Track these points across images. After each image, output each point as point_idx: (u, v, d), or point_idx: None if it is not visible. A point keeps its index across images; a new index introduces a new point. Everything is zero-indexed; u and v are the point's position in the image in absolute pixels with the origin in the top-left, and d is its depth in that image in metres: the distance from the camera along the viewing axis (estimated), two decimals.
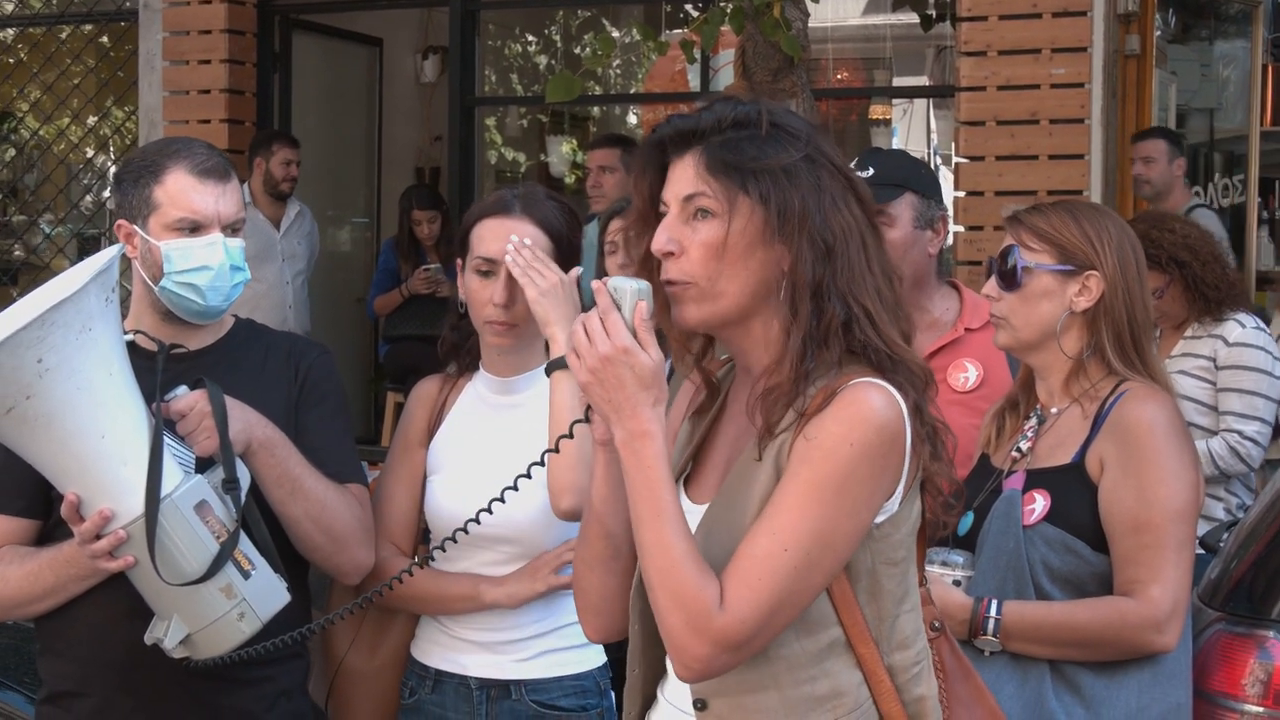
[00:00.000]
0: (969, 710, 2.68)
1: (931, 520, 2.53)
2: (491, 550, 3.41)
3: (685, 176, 2.40)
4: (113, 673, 3.23)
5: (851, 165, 3.70)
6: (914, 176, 3.83)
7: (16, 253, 11.84)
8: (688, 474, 2.58)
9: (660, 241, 2.40)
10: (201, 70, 9.56)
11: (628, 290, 2.34)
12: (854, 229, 2.39)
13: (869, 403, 2.31)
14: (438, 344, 3.63)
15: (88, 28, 10.85)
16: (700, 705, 2.43)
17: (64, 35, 11.03)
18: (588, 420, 2.42)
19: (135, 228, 3.26)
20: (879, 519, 2.38)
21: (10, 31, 11.74)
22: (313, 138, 10.18)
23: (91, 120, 11.45)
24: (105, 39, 10.91)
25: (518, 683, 3.42)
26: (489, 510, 2.75)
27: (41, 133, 11.41)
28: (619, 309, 2.33)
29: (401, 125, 12.09)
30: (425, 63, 12.19)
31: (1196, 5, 9.43)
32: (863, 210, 2.43)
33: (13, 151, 12.11)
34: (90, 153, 11.68)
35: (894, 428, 2.32)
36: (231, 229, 3.27)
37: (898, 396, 2.34)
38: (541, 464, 2.59)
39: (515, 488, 2.63)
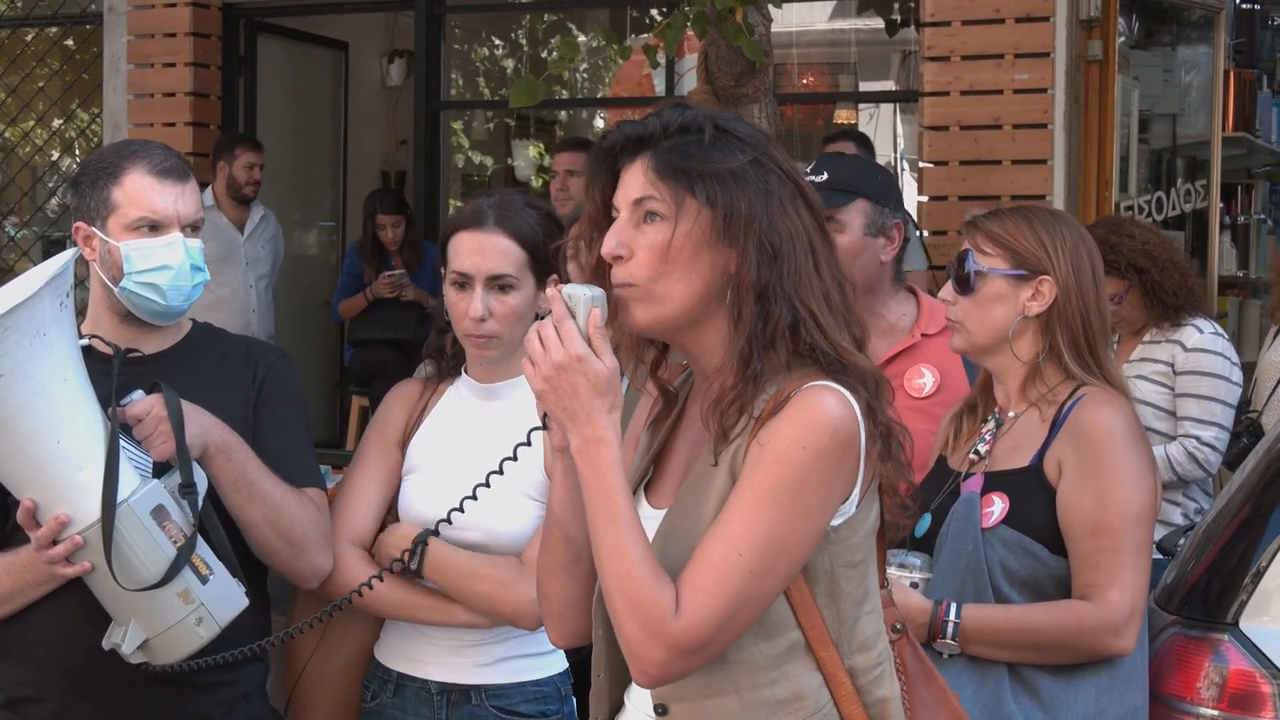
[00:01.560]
0: (931, 713, 2.69)
1: (890, 523, 2.53)
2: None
3: (635, 181, 2.42)
4: (69, 678, 3.22)
5: (807, 170, 3.73)
6: (868, 183, 3.83)
7: None
8: (649, 480, 2.59)
9: (609, 245, 2.42)
10: (166, 73, 9.53)
11: (582, 298, 2.35)
12: (802, 233, 2.41)
13: (822, 406, 2.32)
14: (422, 345, 3.63)
15: (53, 30, 10.80)
16: (661, 710, 2.44)
17: (29, 37, 10.99)
18: (545, 427, 2.43)
19: (94, 229, 3.26)
20: (836, 522, 2.39)
21: None
22: (278, 141, 10.16)
23: (57, 123, 11.41)
24: (70, 41, 10.87)
25: (478, 688, 3.42)
26: (448, 520, 2.78)
27: (6, 135, 11.37)
28: (573, 316, 2.34)
29: (367, 129, 12.07)
30: (391, 66, 12.18)
31: (1159, 11, 9.45)
32: (812, 216, 2.45)
33: None
34: (55, 155, 11.64)
35: (848, 430, 2.33)
36: (191, 228, 3.27)
37: (850, 399, 2.35)
38: (501, 473, 2.59)
39: (474, 497, 2.64)
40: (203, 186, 9.00)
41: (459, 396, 3.54)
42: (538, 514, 3.29)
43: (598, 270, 2.46)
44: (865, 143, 7.91)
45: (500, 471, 2.59)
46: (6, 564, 3.17)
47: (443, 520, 2.83)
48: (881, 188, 3.85)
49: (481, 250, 3.37)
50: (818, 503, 2.33)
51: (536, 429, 2.48)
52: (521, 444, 2.53)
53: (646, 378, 2.59)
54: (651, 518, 2.46)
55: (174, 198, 3.24)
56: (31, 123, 11.26)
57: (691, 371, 2.60)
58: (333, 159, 11.67)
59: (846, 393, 2.35)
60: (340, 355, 10.66)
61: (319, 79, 11.45)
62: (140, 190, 3.23)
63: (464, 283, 3.38)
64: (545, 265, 3.40)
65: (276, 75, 10.56)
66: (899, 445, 2.45)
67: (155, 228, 3.23)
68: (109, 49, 9.69)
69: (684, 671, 2.32)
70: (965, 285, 3.34)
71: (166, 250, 3.22)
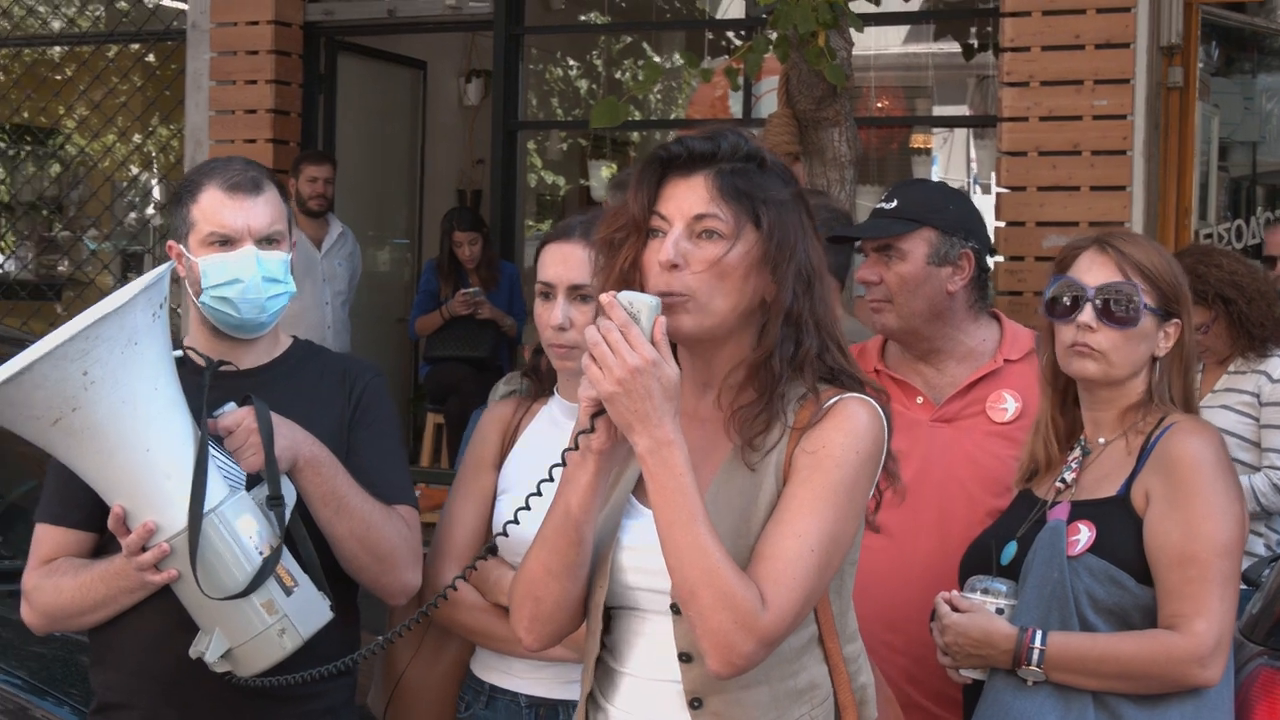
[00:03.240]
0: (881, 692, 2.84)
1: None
2: None
3: (696, 196, 2.54)
4: (159, 685, 3.26)
5: (883, 197, 3.80)
6: (936, 212, 3.81)
7: (61, 268, 11.94)
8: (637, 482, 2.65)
9: (669, 253, 2.51)
10: (247, 90, 9.64)
11: (645, 305, 2.43)
12: (822, 269, 2.60)
13: (864, 415, 2.54)
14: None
15: (135, 46, 10.94)
16: (696, 704, 2.53)
17: (111, 53, 11.13)
18: (592, 430, 2.48)
19: (181, 247, 3.32)
20: None
21: (58, 49, 11.83)
22: (356, 159, 10.25)
23: (137, 138, 11.54)
24: (152, 57, 11.00)
25: (566, 703, 3.43)
26: (506, 531, 2.83)
27: (87, 149, 11.50)
28: (637, 322, 2.41)
29: (444, 147, 12.14)
30: (468, 86, 12.26)
31: (1240, 38, 9.40)
32: (821, 250, 2.64)
33: (59, 168, 12.21)
34: (135, 170, 11.76)
35: (881, 438, 2.56)
36: (268, 241, 3.31)
37: (880, 411, 2.57)
38: (551, 480, 2.61)
39: (527, 506, 2.65)
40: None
41: (550, 417, 3.56)
42: None
43: (629, 271, 2.55)
44: None
45: (551, 478, 2.61)
46: (100, 571, 3.20)
47: (510, 522, 2.83)
48: (952, 217, 3.82)
49: (565, 260, 3.41)
50: (862, 502, 2.56)
51: (585, 431, 2.52)
52: (570, 449, 2.56)
53: None
54: (644, 516, 2.56)
55: (244, 212, 3.28)
56: (113, 137, 11.39)
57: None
58: (409, 177, 11.75)
59: (877, 405, 2.57)
60: (415, 372, 10.72)
61: (397, 97, 11.54)
62: (212, 206, 3.28)
63: (548, 293, 3.43)
64: None
65: (356, 93, 10.65)
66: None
67: (227, 242, 3.28)
68: (191, 65, 9.81)
69: (761, 660, 2.44)
70: (1125, 321, 3.29)
71: (238, 264, 3.27)
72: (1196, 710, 3.13)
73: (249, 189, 3.30)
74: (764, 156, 2.60)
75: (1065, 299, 3.33)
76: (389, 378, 11.53)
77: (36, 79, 11.80)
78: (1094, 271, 3.31)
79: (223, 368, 3.29)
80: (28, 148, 12.17)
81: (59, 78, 11.78)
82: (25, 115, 11.91)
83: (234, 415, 3.14)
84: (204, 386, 3.16)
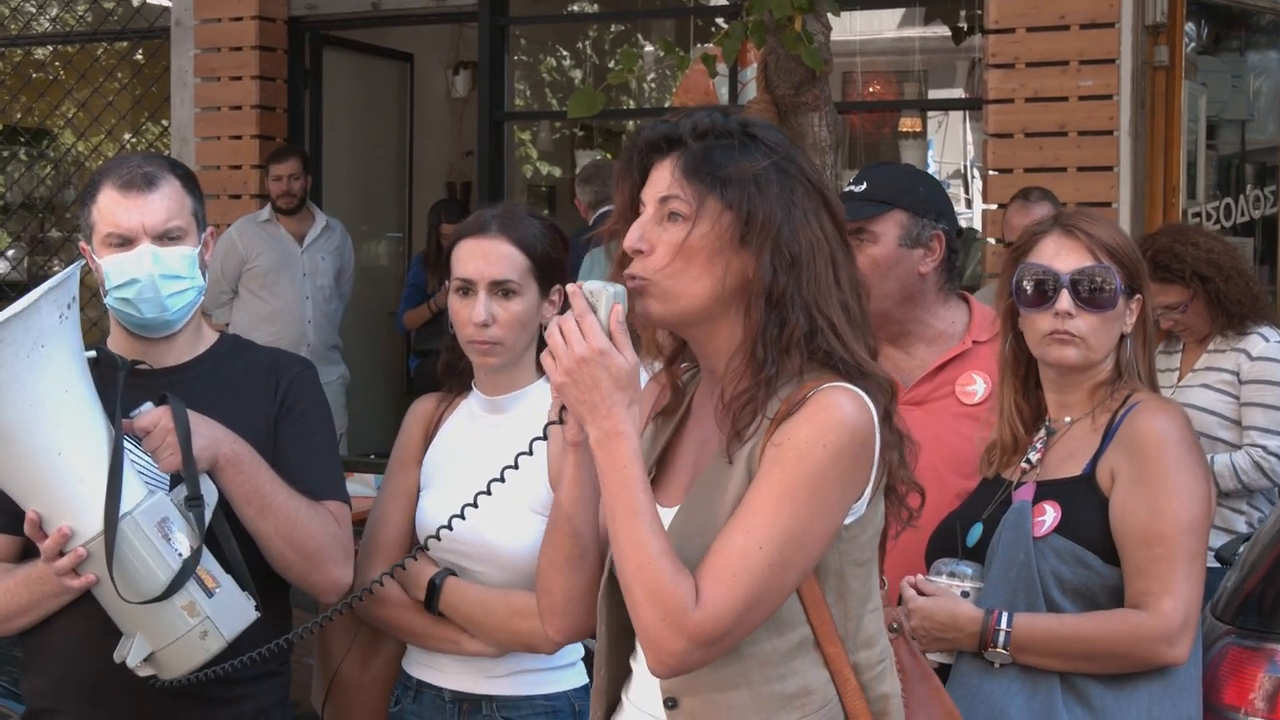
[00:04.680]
0: (927, 710, 2.74)
1: (893, 529, 2.60)
2: (473, 574, 3.40)
3: (662, 179, 2.47)
4: (86, 690, 3.22)
5: (850, 181, 3.74)
6: (906, 194, 3.79)
7: (55, 269, 11.93)
8: (653, 477, 2.61)
9: (632, 239, 2.47)
10: (232, 87, 9.63)
11: (603, 293, 2.40)
12: (823, 244, 2.46)
13: (840, 406, 2.38)
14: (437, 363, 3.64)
15: (122, 45, 10.93)
16: (671, 704, 2.47)
17: (98, 52, 11.12)
18: (561, 422, 2.46)
19: (89, 248, 3.28)
20: (847, 520, 2.45)
21: (46, 49, 11.83)
22: (343, 153, 10.23)
23: (126, 137, 11.53)
24: (139, 56, 10.99)
25: (489, 698, 3.42)
26: (449, 527, 2.79)
27: (77, 149, 11.50)
28: (594, 311, 2.38)
29: (432, 140, 12.13)
30: (456, 78, 12.24)
31: (1227, 16, 9.38)
32: (835, 227, 2.50)
33: (49, 168, 12.20)
34: None
35: (865, 431, 2.40)
36: (168, 237, 3.23)
37: (868, 401, 2.41)
38: (502, 480, 2.60)
39: (475, 504, 2.65)
40: (267, 200, 9.10)
41: (468, 411, 3.54)
42: (541, 528, 3.27)
43: (621, 262, 2.50)
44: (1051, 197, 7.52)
45: (502, 479, 2.60)
46: (23, 576, 3.17)
47: (443, 527, 2.82)
48: (922, 198, 3.80)
49: (485, 256, 3.37)
50: (834, 500, 2.39)
51: (538, 439, 2.51)
52: (523, 453, 2.54)
53: (662, 368, 2.64)
54: (659, 514, 2.48)
55: (138, 210, 3.21)
56: (102, 136, 11.38)
57: (699, 369, 2.63)
58: (398, 170, 11.73)
59: (864, 395, 2.40)
60: (407, 365, 10.72)
61: (384, 91, 11.52)
62: (108, 206, 3.23)
63: (467, 289, 3.38)
64: (548, 274, 3.41)
65: (342, 88, 10.63)
66: (904, 457, 2.51)
67: (125, 242, 3.21)
68: (176, 63, 9.80)
69: (701, 662, 2.36)
70: (1102, 304, 3.26)
71: (134, 263, 3.19)
72: (1165, 689, 3.12)
73: (142, 186, 3.22)
74: (739, 131, 2.47)
75: (1036, 286, 3.30)
76: (381, 371, 11.47)
77: (23, 79, 11.79)
78: (1063, 256, 3.28)
79: (139, 366, 3.23)
80: (18, 148, 12.16)
81: (48, 78, 11.77)
82: (17, 116, 11.90)
83: (150, 415, 3.08)
84: (118, 386, 3.09)
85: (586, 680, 3.51)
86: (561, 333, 2.37)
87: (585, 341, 2.35)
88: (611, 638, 2.57)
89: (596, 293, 2.39)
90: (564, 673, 3.48)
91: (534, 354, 3.44)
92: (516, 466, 2.57)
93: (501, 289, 3.36)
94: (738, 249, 2.43)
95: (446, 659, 3.44)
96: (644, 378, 2.54)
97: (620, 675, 2.61)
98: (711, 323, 2.48)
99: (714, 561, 2.34)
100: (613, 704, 2.63)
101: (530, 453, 2.54)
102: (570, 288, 2.41)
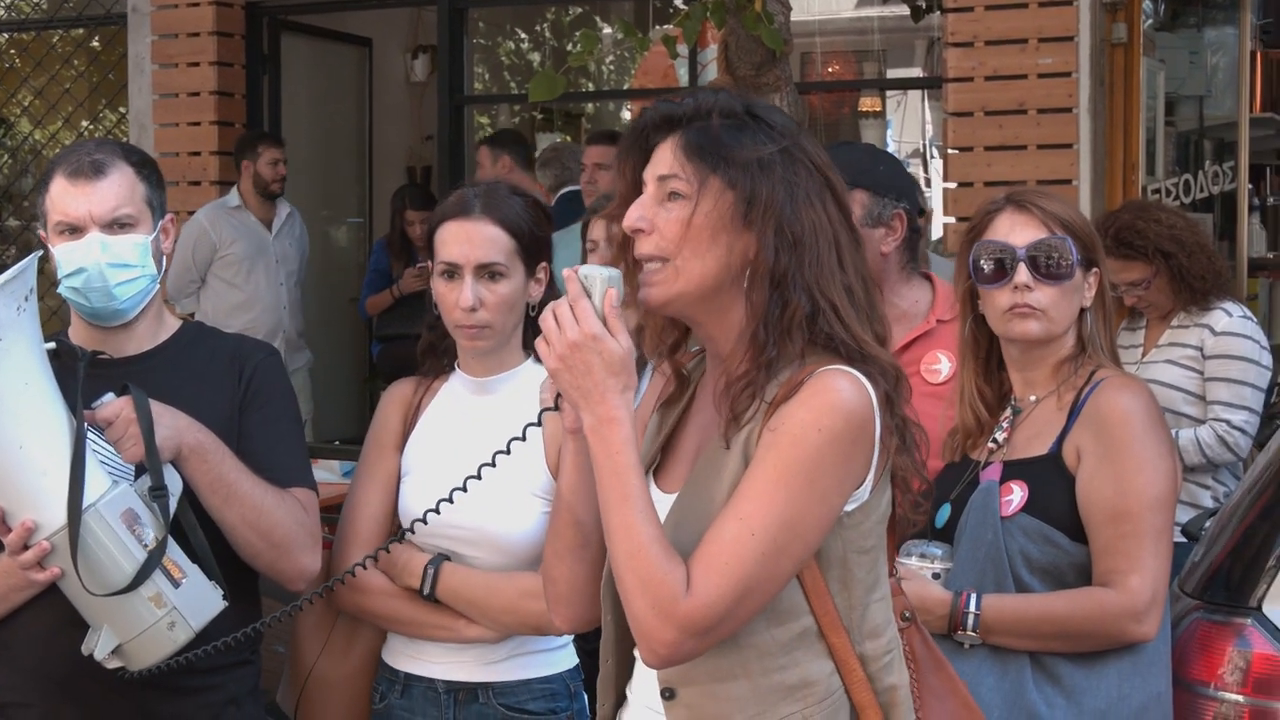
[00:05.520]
0: (942, 702, 2.68)
1: (901, 516, 2.54)
2: (465, 559, 3.38)
3: (663, 159, 2.44)
4: (55, 683, 3.20)
5: None
6: (866, 173, 3.79)
7: (11, 258, 11.85)
8: (658, 464, 2.59)
9: (631, 218, 2.44)
10: (190, 73, 9.54)
11: (598, 277, 2.37)
12: (826, 226, 2.43)
13: (837, 390, 2.33)
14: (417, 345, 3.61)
15: (78, 31, 10.84)
16: (668, 694, 2.44)
17: (55, 39, 11.03)
18: (557, 409, 2.43)
19: (46, 235, 3.26)
20: (849, 506, 2.39)
21: (1, 37, 11.73)
22: (303, 139, 10.16)
23: (84, 124, 11.44)
24: (96, 42, 10.90)
25: (485, 685, 3.39)
26: (436, 511, 2.77)
27: (35, 137, 11.41)
28: (589, 296, 2.36)
29: (392, 125, 12.07)
30: (415, 62, 12.16)
31: None
32: (840, 211, 2.47)
33: (6, 157, 12.11)
34: None
35: (863, 414, 2.35)
36: (117, 225, 3.20)
37: (867, 385, 2.36)
38: (493, 465, 2.58)
39: (464, 489, 2.63)
40: (228, 186, 9.05)
41: (452, 393, 3.51)
42: (544, 512, 3.26)
43: (623, 245, 2.48)
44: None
45: (493, 464, 2.58)
46: None
47: (430, 510, 2.80)
48: (883, 178, 3.81)
49: (470, 239, 3.34)
50: (832, 486, 2.34)
51: (532, 425, 2.49)
52: (516, 438, 2.52)
53: (664, 357, 2.60)
54: (661, 502, 2.46)
55: (85, 198, 3.18)
56: (59, 124, 11.30)
57: (704, 355, 2.60)
58: (358, 155, 11.67)
59: (864, 379, 2.36)
60: (369, 351, 10.68)
61: (343, 76, 11.45)
62: (58, 194, 3.21)
63: (452, 272, 3.35)
64: (534, 253, 3.39)
65: (301, 73, 10.56)
66: (914, 441, 2.45)
67: (75, 230, 3.19)
68: (133, 49, 9.70)
69: (694, 652, 2.32)
70: (1060, 275, 3.28)
71: (82, 252, 3.17)
72: (1134, 665, 3.14)
73: (90, 174, 3.20)
74: (743, 112, 2.45)
75: (993, 263, 3.31)
76: (342, 357, 11.42)
77: None
78: (1018, 231, 3.30)
79: (100, 356, 3.21)
80: None
81: (3, 65, 11.66)
82: None
83: (112, 406, 3.07)
84: (78, 378, 3.05)
85: (577, 661, 3.51)
86: (555, 318, 2.35)
87: (578, 326, 2.33)
88: (619, 627, 2.52)
89: (591, 277, 2.37)
90: (558, 654, 3.47)
91: (521, 334, 3.42)
92: (508, 452, 2.55)
93: (488, 271, 3.34)
94: (740, 229, 2.39)
95: (435, 648, 3.40)
96: (649, 376, 2.53)
97: (629, 667, 2.58)
98: (714, 307, 2.44)
99: (706, 549, 2.30)
100: (621, 696, 2.60)
101: (524, 438, 2.52)
102: (566, 272, 2.40)
